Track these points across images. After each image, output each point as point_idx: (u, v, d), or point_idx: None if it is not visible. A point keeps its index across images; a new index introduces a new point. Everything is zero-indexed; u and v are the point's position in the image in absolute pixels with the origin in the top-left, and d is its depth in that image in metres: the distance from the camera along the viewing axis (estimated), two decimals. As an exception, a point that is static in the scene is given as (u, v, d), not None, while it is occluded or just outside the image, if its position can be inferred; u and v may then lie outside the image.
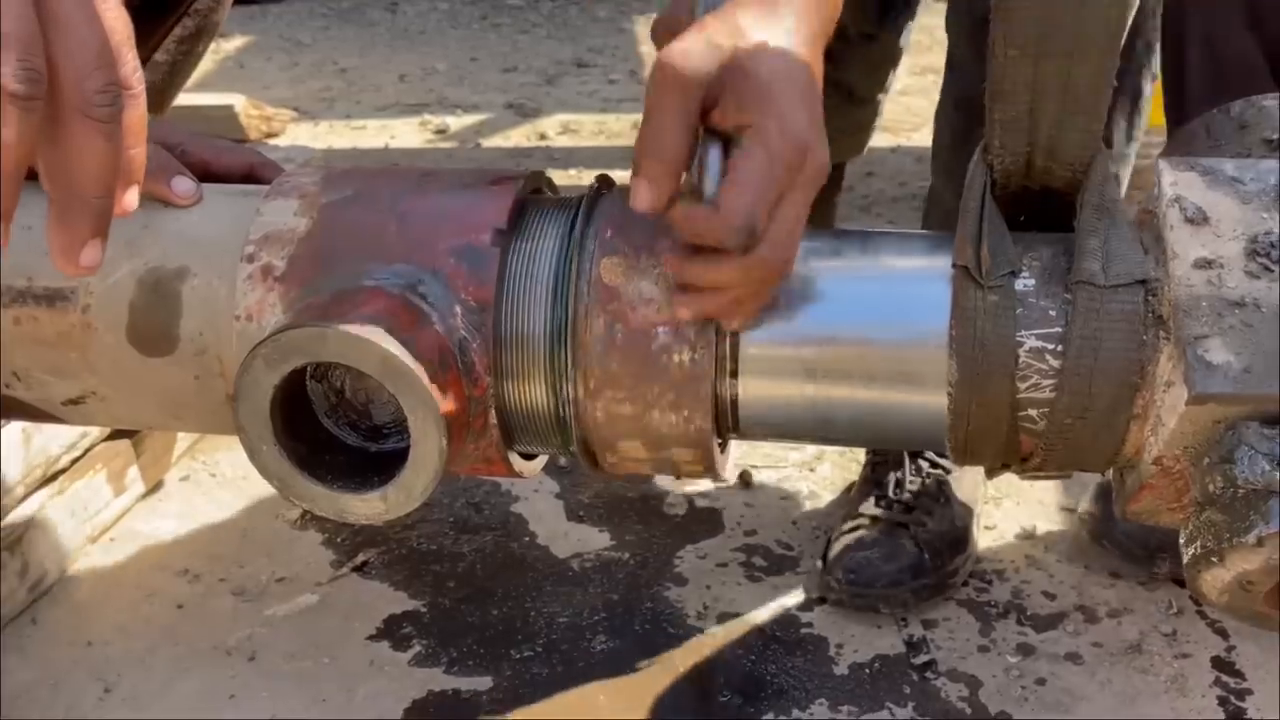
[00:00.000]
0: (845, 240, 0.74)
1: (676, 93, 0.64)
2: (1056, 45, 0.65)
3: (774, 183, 0.63)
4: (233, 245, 0.72)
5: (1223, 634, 1.17)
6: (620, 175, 0.70)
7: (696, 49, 0.64)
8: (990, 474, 1.32)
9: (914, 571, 1.20)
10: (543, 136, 2.57)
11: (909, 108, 2.51)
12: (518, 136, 2.58)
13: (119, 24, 0.59)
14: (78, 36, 0.56)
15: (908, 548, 1.21)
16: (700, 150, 0.65)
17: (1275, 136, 0.71)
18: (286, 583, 1.26)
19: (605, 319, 0.69)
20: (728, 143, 0.65)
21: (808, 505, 1.37)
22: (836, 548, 1.22)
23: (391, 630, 1.19)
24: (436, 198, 0.73)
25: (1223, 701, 1.10)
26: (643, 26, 3.49)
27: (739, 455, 1.44)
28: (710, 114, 0.65)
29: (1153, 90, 1.23)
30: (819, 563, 1.24)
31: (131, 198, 0.62)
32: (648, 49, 3.27)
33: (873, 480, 1.28)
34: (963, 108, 1.29)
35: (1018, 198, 0.70)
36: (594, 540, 1.32)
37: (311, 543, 1.32)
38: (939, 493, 1.26)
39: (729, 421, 0.72)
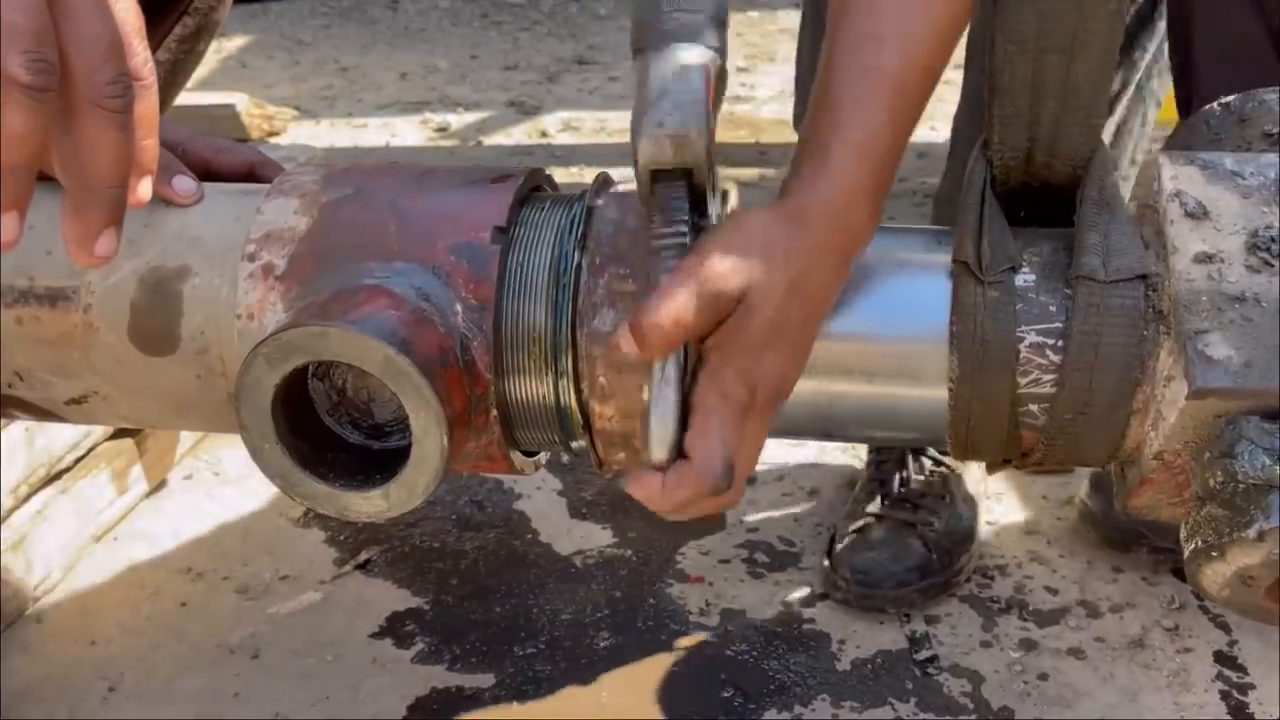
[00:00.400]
0: (845, 236, 0.74)
1: (706, 299, 0.63)
2: (1056, 40, 0.65)
3: (740, 427, 0.64)
4: (234, 244, 0.72)
5: (1225, 629, 1.17)
6: (621, 173, 0.70)
7: (733, 267, 0.63)
8: (991, 469, 1.33)
9: (922, 571, 1.19)
10: (544, 134, 2.57)
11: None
12: (519, 134, 2.58)
13: (129, 15, 0.59)
14: (89, 28, 0.56)
15: (915, 547, 1.20)
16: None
17: (1275, 130, 0.70)
18: (290, 581, 1.26)
19: (607, 315, 0.69)
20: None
21: (810, 502, 1.37)
22: (842, 546, 1.22)
23: (394, 628, 1.19)
24: (436, 196, 0.73)
25: (1225, 696, 1.10)
26: (644, 23, 3.48)
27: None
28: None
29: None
30: (824, 561, 1.23)
31: (145, 188, 0.63)
32: (649, 46, 3.25)
33: (877, 478, 1.28)
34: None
35: (1017, 193, 0.70)
36: (597, 537, 1.32)
37: (314, 541, 1.32)
38: (944, 490, 1.25)
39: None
